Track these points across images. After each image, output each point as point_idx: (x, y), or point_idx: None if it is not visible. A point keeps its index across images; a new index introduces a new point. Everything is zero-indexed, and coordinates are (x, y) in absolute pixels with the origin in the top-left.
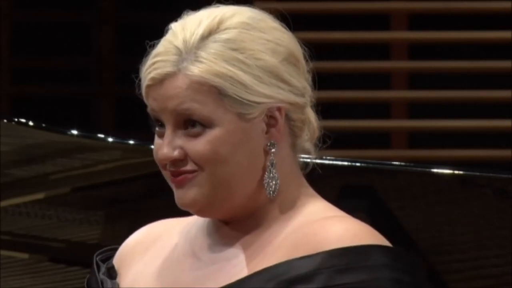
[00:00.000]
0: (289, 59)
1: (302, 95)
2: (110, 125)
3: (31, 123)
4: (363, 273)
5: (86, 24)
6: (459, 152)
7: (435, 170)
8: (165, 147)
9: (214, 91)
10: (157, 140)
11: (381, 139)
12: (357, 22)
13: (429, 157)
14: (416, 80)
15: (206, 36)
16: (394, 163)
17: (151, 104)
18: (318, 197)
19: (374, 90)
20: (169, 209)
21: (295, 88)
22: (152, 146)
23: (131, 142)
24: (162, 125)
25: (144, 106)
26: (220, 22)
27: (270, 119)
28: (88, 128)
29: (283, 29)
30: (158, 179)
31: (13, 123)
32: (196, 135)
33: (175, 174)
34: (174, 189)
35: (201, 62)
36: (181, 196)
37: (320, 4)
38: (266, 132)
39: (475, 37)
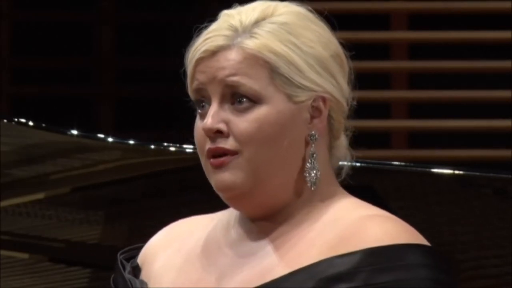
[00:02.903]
0: (336, 58)
1: (344, 98)
2: (110, 125)
3: (31, 123)
4: (401, 272)
5: (86, 24)
6: (459, 152)
7: (435, 170)
8: (210, 118)
9: (267, 67)
10: (199, 123)
11: (381, 139)
12: (357, 22)
13: (429, 157)
14: (416, 80)
15: (262, 19)
16: (394, 163)
17: (198, 77)
18: (350, 195)
19: (374, 90)
20: (169, 209)
21: (340, 86)
22: (152, 146)
23: (131, 142)
24: (204, 106)
25: (143, 106)
26: (275, 10)
27: (314, 110)
28: (88, 128)
29: (330, 31)
30: (158, 179)
31: (13, 123)
32: (243, 111)
33: (214, 154)
34: (211, 174)
35: (256, 38)
36: (220, 179)
37: (319, 4)
38: (309, 122)
39: (475, 37)
